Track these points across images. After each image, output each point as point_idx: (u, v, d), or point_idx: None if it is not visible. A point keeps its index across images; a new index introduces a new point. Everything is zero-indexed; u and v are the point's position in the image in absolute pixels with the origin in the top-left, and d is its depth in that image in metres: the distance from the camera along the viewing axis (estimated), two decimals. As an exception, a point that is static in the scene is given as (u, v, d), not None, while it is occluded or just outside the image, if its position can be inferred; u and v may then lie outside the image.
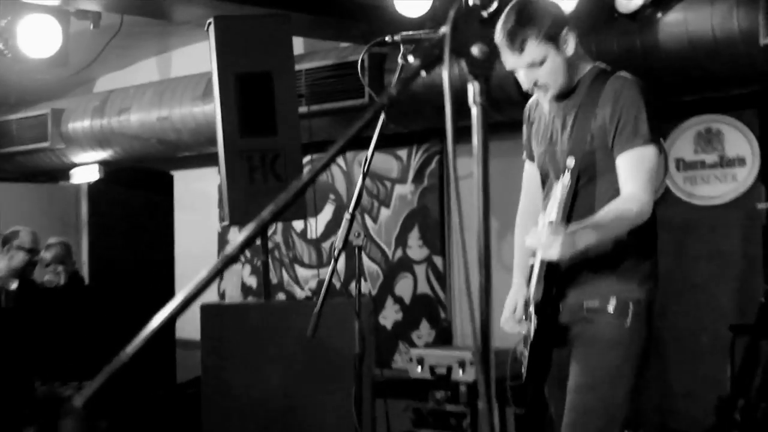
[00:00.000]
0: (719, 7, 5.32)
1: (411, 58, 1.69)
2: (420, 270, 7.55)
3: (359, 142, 3.74)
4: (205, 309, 5.64)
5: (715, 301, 6.32)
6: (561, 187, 3.44)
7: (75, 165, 9.21)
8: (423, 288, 7.53)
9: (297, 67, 6.88)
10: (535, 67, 3.49)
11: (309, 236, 8.17)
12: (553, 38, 3.46)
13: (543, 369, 3.60)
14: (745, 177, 6.19)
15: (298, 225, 8.21)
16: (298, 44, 7.65)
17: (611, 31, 5.68)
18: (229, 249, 1.62)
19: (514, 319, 3.68)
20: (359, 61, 4.13)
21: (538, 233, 3.30)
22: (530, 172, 3.91)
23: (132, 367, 1.44)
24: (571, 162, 3.49)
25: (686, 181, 6.39)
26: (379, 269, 7.76)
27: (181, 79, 8.01)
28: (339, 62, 6.96)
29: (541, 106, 3.77)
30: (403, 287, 7.63)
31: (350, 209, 3.88)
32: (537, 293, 3.51)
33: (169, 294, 8.86)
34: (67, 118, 8.69)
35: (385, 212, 7.74)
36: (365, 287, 7.81)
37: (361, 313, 3.84)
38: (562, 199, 3.41)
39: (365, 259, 7.81)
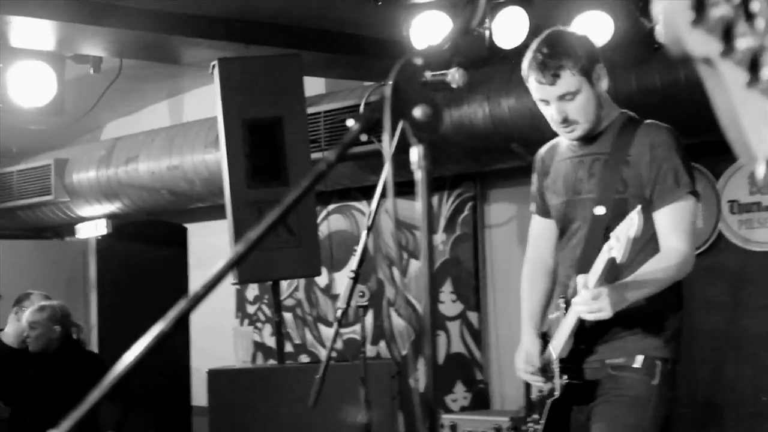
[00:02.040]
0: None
1: (351, 122, 1.75)
2: (454, 327, 7.63)
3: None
4: (213, 374, 5.77)
5: (776, 358, 6.34)
6: (615, 238, 3.41)
7: (81, 219, 9.41)
8: (457, 347, 7.61)
9: (316, 108, 7.04)
10: (566, 100, 3.60)
11: (333, 292, 8.29)
12: (587, 71, 3.60)
13: (561, 428, 3.71)
14: (805, 219, 6.23)
15: (321, 281, 8.33)
16: (320, 84, 7.82)
17: (651, 64, 5.78)
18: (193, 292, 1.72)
19: (529, 368, 3.82)
20: (361, 107, 4.26)
21: (583, 295, 3.42)
22: (539, 225, 4.02)
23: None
24: (600, 210, 3.63)
25: (741, 225, 6.44)
26: (410, 327, 7.86)
27: (192, 123, 8.19)
28: (360, 103, 7.09)
29: (558, 155, 3.88)
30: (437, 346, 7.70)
31: (354, 267, 4.00)
32: (564, 349, 3.64)
33: (185, 358, 9.01)
34: (71, 169, 8.90)
35: (415, 264, 7.84)
36: (394, 348, 7.90)
37: (366, 380, 3.93)
38: (607, 257, 3.42)
39: (394, 317, 7.92)
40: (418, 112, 1.72)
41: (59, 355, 6.23)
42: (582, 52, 3.60)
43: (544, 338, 3.82)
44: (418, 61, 1.76)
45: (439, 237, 7.71)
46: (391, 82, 1.75)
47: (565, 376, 3.65)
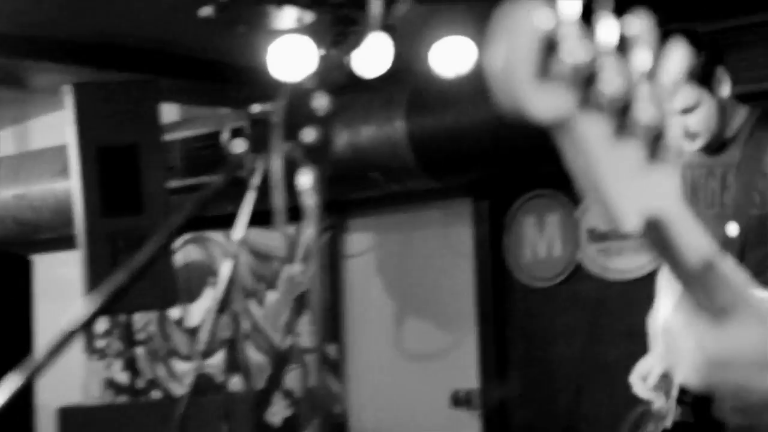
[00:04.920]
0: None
1: (238, 144, 1.69)
2: (312, 360, 7.56)
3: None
4: (64, 413, 5.60)
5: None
6: None
7: None
8: (315, 379, 7.54)
9: (171, 136, 6.93)
10: (685, 113, 3.26)
11: (187, 325, 8.15)
12: (707, 78, 3.29)
13: None
14: (661, 248, 6.36)
15: (175, 313, 8.18)
16: (173, 111, 7.70)
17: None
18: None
19: (645, 385, 3.55)
20: (223, 136, 4.19)
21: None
22: None
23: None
24: (733, 229, 3.32)
25: (600, 253, 6.55)
26: (267, 360, 7.77)
27: (40, 152, 7.99)
28: (218, 131, 7.00)
29: None
30: (294, 379, 7.64)
31: (216, 298, 3.93)
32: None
33: (27, 401, 8.71)
34: None
35: (272, 295, 7.77)
36: (247, 382, 7.81)
37: (229, 414, 3.86)
38: None
39: (251, 350, 7.82)
40: (308, 135, 1.69)
41: None
42: (702, 55, 3.24)
43: None
44: (308, 84, 1.73)
45: (297, 267, 7.65)
46: (279, 105, 1.70)
47: (677, 410, 3.36)
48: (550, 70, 0.91)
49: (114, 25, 5.88)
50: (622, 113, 0.95)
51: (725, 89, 3.34)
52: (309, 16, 5.10)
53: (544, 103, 0.92)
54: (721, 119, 3.34)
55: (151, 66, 6.19)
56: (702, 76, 3.27)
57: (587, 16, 0.93)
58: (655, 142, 0.98)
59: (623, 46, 0.94)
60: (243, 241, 4.24)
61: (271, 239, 7.75)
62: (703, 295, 1.07)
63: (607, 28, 0.93)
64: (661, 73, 0.96)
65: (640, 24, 0.94)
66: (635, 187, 0.99)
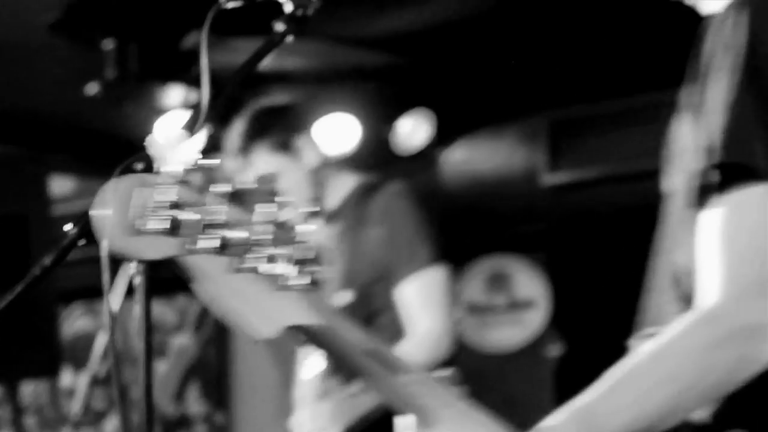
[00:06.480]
0: (502, 145, 5.65)
1: (69, 227, 1.68)
2: (200, 429, 7.50)
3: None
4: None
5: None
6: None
7: None
8: (204, 449, 7.49)
9: (65, 209, 6.86)
10: None
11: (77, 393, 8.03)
12: (285, 146, 3.27)
13: None
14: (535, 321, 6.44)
15: (66, 382, 8.06)
16: (68, 185, 7.62)
17: (395, 171, 5.90)
18: None
19: None
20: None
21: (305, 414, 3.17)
22: None
23: None
24: (346, 297, 3.26)
25: (477, 326, 6.59)
26: (156, 428, 7.68)
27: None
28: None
29: None
30: (183, 446, 7.57)
31: (90, 370, 3.89)
32: None
33: None
34: None
35: (161, 365, 7.70)
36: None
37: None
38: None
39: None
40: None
41: None
42: (278, 126, 3.29)
43: None
44: (138, 166, 1.74)
45: (187, 337, 7.60)
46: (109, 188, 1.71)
47: None
48: (149, 225, 1.15)
49: (2, 99, 5.85)
50: (239, 252, 1.17)
51: (310, 157, 3.30)
52: (194, 95, 5.12)
53: (147, 248, 1.17)
54: (316, 188, 3.29)
55: (40, 140, 6.15)
56: (282, 144, 3.26)
57: None
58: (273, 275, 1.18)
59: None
60: (118, 312, 4.24)
61: (160, 310, 7.68)
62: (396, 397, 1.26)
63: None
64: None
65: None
66: (264, 306, 1.19)
